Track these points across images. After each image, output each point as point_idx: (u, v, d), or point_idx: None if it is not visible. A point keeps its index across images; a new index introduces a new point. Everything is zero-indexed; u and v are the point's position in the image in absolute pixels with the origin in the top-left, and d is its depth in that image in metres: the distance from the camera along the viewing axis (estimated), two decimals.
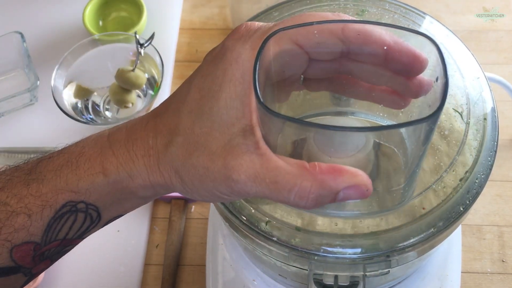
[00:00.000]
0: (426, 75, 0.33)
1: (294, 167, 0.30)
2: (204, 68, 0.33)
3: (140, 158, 0.33)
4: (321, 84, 0.36)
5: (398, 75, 0.33)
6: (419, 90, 0.33)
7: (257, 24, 0.33)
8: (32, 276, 0.36)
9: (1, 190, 0.34)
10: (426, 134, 0.30)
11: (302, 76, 0.35)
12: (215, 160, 0.31)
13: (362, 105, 0.41)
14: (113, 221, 0.37)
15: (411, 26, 0.49)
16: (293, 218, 0.41)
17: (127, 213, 0.71)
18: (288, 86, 0.35)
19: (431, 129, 0.30)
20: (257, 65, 0.29)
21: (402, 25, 0.48)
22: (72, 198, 0.33)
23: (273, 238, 0.41)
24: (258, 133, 0.31)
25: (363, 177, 0.29)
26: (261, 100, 0.29)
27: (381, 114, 0.41)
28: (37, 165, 0.35)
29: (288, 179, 0.29)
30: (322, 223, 0.41)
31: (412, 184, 0.36)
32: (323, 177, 0.29)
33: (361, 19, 0.33)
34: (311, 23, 0.31)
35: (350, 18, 0.33)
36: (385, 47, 0.31)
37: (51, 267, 0.67)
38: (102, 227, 0.36)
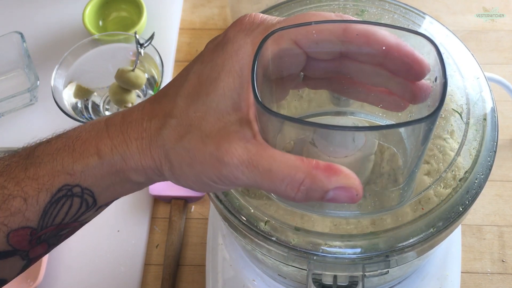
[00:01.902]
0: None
1: (291, 158, 0.29)
2: (205, 55, 0.33)
3: (134, 140, 0.33)
4: (321, 83, 0.36)
5: (397, 76, 0.33)
6: (418, 96, 0.32)
7: (261, 17, 0.33)
8: (30, 260, 0.36)
9: (0, 175, 0.34)
10: (425, 134, 0.30)
11: (302, 74, 0.35)
12: (207, 142, 0.30)
13: (362, 105, 0.41)
14: (108, 205, 0.37)
15: (410, 26, 0.49)
16: (293, 218, 0.41)
17: (127, 213, 0.71)
18: (286, 83, 0.35)
19: (430, 129, 0.30)
20: (255, 66, 0.29)
21: (402, 26, 0.48)
22: (68, 181, 0.33)
23: (272, 238, 0.41)
24: (255, 127, 0.31)
25: (356, 181, 0.29)
26: (260, 99, 0.29)
27: (380, 114, 0.41)
28: (35, 150, 0.35)
29: (283, 168, 0.29)
30: (321, 223, 0.41)
31: (411, 184, 0.36)
32: (318, 172, 0.29)
33: (361, 19, 0.33)
34: (309, 23, 0.31)
35: (352, 18, 0.33)
36: (384, 47, 0.31)
37: (50, 266, 0.67)
38: (98, 212, 0.36)
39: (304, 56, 0.33)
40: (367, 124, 0.41)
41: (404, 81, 0.33)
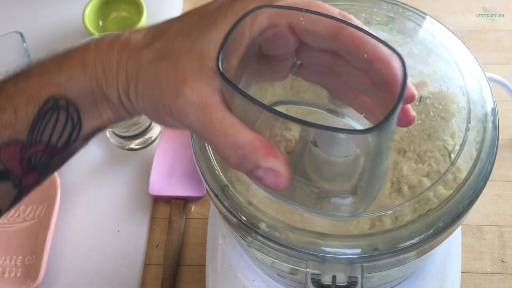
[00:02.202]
0: None
1: (242, 124, 0.30)
2: (213, 4, 0.34)
3: (116, 53, 0.34)
4: (314, 76, 0.36)
5: (380, 91, 0.33)
6: (399, 119, 0.32)
7: None
8: (22, 190, 0.37)
9: None
10: (373, 148, 0.30)
11: (298, 61, 0.36)
12: (178, 72, 0.31)
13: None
14: (94, 135, 0.37)
15: (411, 27, 0.49)
16: (292, 218, 0.41)
17: (127, 213, 0.71)
18: (277, 64, 0.35)
19: (376, 144, 0.29)
20: (232, 30, 0.30)
21: (403, 26, 0.49)
22: (53, 92, 0.34)
23: (271, 238, 0.41)
24: None
25: (288, 172, 0.30)
26: (220, 67, 0.29)
27: (364, 124, 0.40)
28: (28, 67, 0.36)
29: (232, 127, 0.30)
30: (321, 223, 0.41)
31: (365, 196, 0.35)
32: (260, 145, 0.29)
33: (349, 22, 0.33)
34: (301, 9, 0.32)
35: (353, 19, 0.33)
36: (366, 56, 0.31)
37: (50, 267, 0.67)
38: (85, 140, 0.37)
39: (296, 40, 0.33)
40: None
41: (384, 98, 0.32)
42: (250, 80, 0.35)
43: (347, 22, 0.31)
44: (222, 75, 0.29)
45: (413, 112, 0.33)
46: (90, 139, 0.37)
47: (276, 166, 0.29)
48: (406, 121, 0.33)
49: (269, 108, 0.28)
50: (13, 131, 0.34)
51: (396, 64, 0.30)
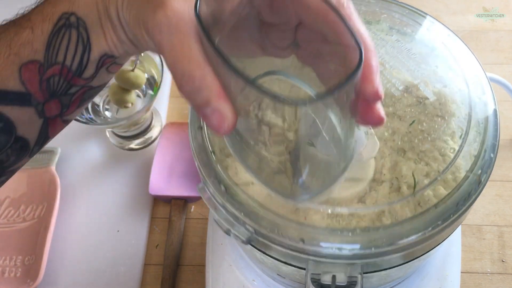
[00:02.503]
0: None
1: (209, 64, 0.31)
2: None
3: None
4: (307, 58, 0.36)
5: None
6: (360, 115, 0.32)
7: None
8: (46, 121, 0.37)
9: (18, 17, 0.38)
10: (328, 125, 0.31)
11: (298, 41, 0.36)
12: None
13: None
14: (105, 65, 0.37)
15: (411, 26, 0.49)
16: (291, 217, 0.41)
17: (127, 213, 0.70)
18: (280, 36, 0.36)
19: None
20: None
21: (403, 25, 0.49)
22: (65, 9, 0.35)
23: (272, 237, 0.41)
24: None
25: (233, 120, 0.31)
26: (198, 11, 0.29)
27: None
28: None
29: (199, 58, 0.30)
30: (320, 221, 0.41)
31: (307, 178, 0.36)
32: (216, 86, 0.30)
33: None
34: None
35: (348, 8, 0.33)
36: (343, 45, 0.32)
37: (50, 266, 0.67)
38: (97, 69, 0.37)
39: (294, 13, 0.33)
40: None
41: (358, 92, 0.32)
42: (251, 48, 0.36)
43: (334, 8, 0.32)
44: (196, 13, 0.30)
45: (381, 112, 0.32)
46: (103, 73, 0.37)
47: (224, 110, 0.30)
48: (372, 118, 0.32)
49: (223, 56, 0.29)
50: (31, 50, 0.35)
51: (367, 60, 0.30)
